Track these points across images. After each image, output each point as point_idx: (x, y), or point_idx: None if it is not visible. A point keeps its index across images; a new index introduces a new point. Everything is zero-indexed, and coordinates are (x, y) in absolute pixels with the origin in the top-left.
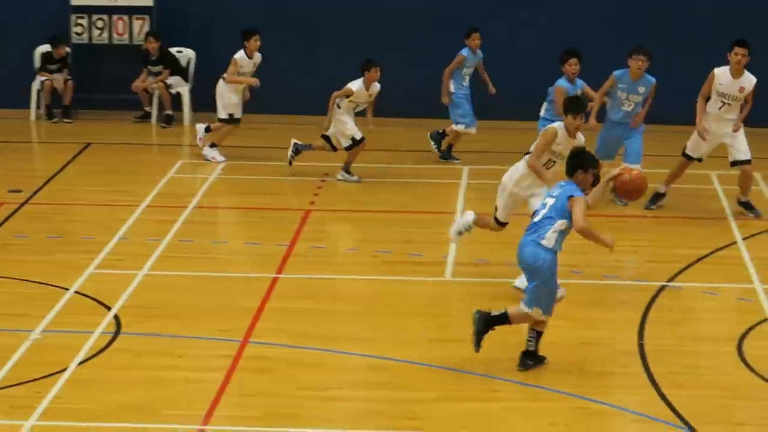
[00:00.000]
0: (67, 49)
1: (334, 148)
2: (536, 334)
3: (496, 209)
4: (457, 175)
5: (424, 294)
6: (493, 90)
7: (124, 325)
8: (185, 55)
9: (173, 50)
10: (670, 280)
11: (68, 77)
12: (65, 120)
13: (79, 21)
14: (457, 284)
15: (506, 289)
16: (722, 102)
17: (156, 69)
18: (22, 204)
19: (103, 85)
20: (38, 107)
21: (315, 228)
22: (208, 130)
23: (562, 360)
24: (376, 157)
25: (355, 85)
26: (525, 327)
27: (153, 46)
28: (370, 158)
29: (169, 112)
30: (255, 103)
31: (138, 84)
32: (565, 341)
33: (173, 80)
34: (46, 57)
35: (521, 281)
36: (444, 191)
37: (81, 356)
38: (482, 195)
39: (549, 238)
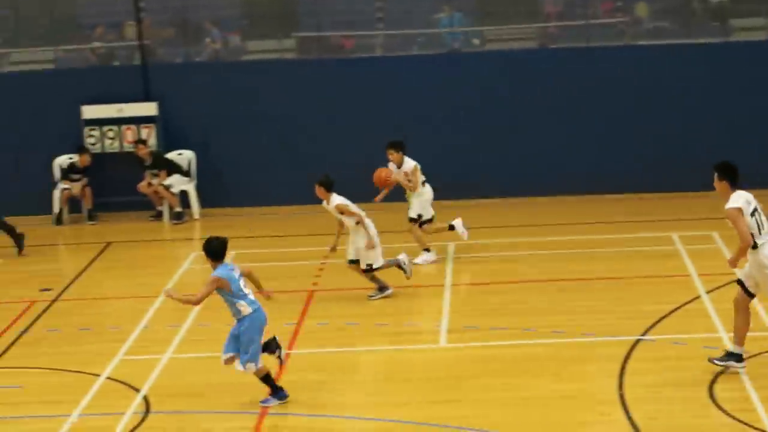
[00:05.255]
0: (89, 159)
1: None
2: None
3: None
4: (442, 250)
5: (422, 360)
6: None
7: (153, 405)
8: (185, 156)
9: (174, 153)
10: (644, 333)
11: (86, 184)
12: (89, 222)
13: (92, 132)
14: (451, 350)
15: (498, 351)
16: None
17: (154, 171)
18: (53, 301)
19: (118, 189)
20: (59, 212)
21: (319, 306)
22: None
23: (551, 411)
24: None
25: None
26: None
27: (144, 152)
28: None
29: (179, 209)
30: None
31: (142, 186)
32: (552, 395)
33: (172, 180)
34: (70, 166)
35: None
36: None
37: None
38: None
39: None
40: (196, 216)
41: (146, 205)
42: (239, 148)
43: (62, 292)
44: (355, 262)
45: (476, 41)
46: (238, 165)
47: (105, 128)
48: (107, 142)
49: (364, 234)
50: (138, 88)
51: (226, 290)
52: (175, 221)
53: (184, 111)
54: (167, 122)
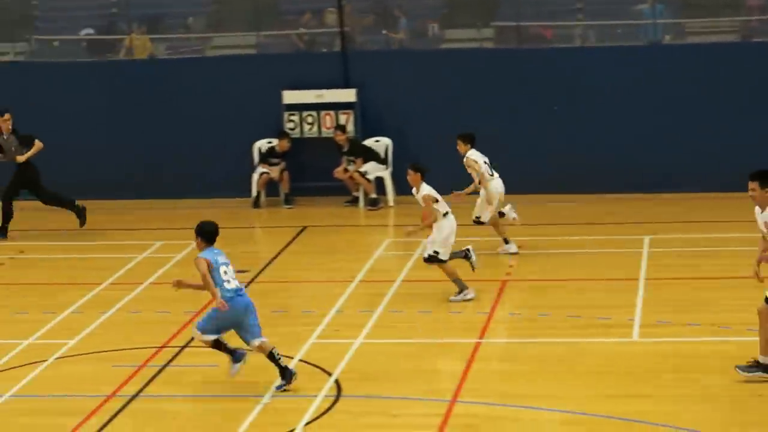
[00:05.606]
0: (289, 145)
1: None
2: None
3: None
4: (638, 244)
5: (613, 353)
6: None
7: (344, 389)
8: (382, 143)
9: (371, 140)
10: None
11: (284, 168)
12: (286, 206)
13: (291, 117)
14: (643, 344)
15: (690, 347)
16: None
17: (350, 158)
18: (249, 283)
19: (315, 174)
20: (257, 196)
21: (511, 296)
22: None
23: (746, 410)
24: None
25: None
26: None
27: (341, 138)
28: (554, 232)
29: (374, 195)
30: None
31: (339, 172)
32: (747, 394)
33: (368, 167)
34: (269, 150)
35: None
36: (625, 260)
37: (306, 418)
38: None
39: None
40: (391, 203)
41: (342, 191)
42: (436, 136)
43: (258, 274)
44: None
45: (668, 37)
46: (434, 153)
47: (304, 113)
48: (306, 127)
49: (440, 228)
50: (338, 74)
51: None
52: (369, 207)
53: (382, 98)
54: (365, 109)
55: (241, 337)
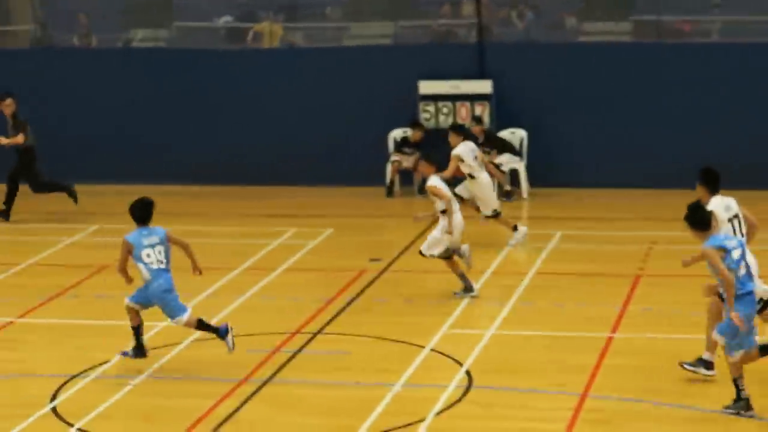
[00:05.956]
0: (422, 135)
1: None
2: None
3: None
4: None
5: None
6: None
7: (475, 380)
8: (517, 135)
9: (507, 131)
10: None
11: (419, 158)
12: (420, 196)
13: (427, 108)
14: None
15: None
16: None
17: (486, 149)
18: (382, 272)
19: (449, 164)
20: (390, 185)
21: (645, 291)
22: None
23: None
24: None
25: None
26: None
27: (477, 129)
28: None
29: (508, 187)
30: None
31: None
32: None
33: (502, 159)
34: (403, 140)
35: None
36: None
37: (437, 407)
38: None
39: None
40: (525, 195)
41: None
42: (571, 129)
43: (391, 263)
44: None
45: None
46: (568, 146)
47: (440, 104)
48: (441, 117)
49: (446, 224)
50: (474, 65)
51: (131, 253)
52: (504, 199)
53: (518, 90)
54: (501, 100)
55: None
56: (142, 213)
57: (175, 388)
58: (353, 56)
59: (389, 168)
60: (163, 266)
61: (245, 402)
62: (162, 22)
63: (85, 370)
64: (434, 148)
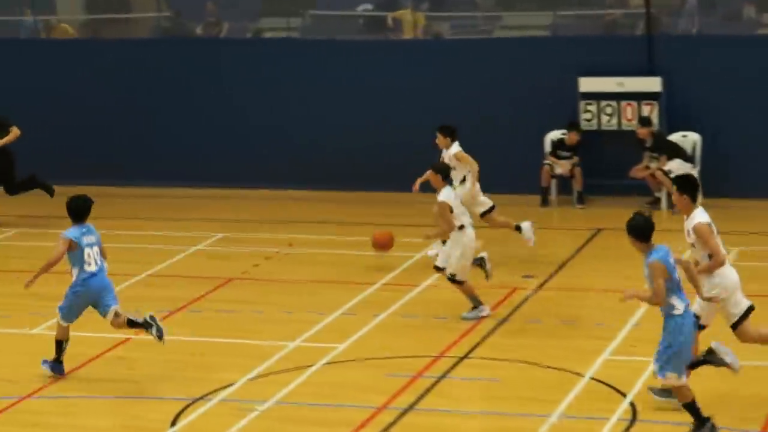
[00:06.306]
0: (579, 137)
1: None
2: None
3: None
4: None
5: None
6: None
7: (640, 413)
8: (689, 139)
9: (678, 135)
10: None
11: (577, 163)
12: (578, 206)
13: (588, 107)
14: None
15: None
16: None
17: (653, 155)
18: (537, 289)
19: (611, 170)
20: (545, 192)
21: None
22: None
23: None
24: None
25: None
26: None
27: (643, 132)
28: None
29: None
30: None
31: (638, 170)
32: None
33: (672, 165)
34: (558, 143)
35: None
36: None
37: None
38: None
39: None
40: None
41: (642, 190)
42: (750, 133)
43: (547, 280)
44: (441, 269)
45: None
46: (747, 151)
47: (603, 103)
48: (604, 118)
49: (459, 243)
50: (641, 60)
51: (72, 250)
52: (673, 210)
53: (692, 89)
54: (671, 100)
55: (99, 313)
56: (80, 210)
57: (305, 415)
58: (506, 49)
59: (543, 174)
60: (98, 267)
61: None
62: (296, 11)
63: (208, 393)
64: (595, 152)
